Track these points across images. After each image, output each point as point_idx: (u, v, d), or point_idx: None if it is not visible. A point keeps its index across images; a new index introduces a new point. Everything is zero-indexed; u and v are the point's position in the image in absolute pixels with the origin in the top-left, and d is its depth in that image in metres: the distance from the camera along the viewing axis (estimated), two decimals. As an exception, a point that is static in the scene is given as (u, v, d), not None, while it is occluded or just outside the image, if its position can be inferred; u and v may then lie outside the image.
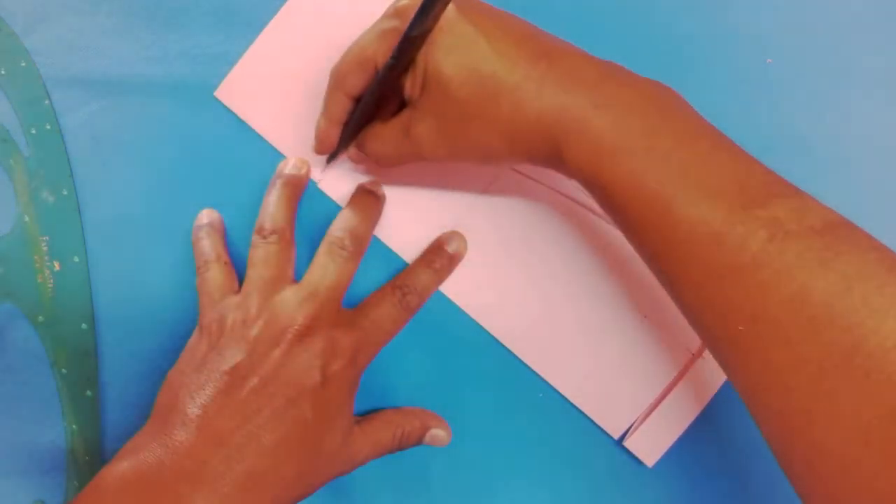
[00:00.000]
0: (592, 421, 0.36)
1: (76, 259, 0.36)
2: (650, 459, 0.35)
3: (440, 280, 0.35)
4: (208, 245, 0.35)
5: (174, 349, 0.33)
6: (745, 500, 0.37)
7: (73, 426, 0.36)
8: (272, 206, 0.34)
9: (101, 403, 0.36)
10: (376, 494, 0.36)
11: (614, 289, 0.36)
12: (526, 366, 0.36)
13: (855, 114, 0.37)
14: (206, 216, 0.36)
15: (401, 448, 0.34)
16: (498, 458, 0.36)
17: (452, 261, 0.35)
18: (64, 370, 0.36)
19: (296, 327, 0.31)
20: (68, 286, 0.36)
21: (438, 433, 0.35)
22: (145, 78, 0.37)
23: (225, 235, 0.36)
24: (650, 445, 0.35)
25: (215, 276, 0.34)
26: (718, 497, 0.36)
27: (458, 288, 0.36)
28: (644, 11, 0.37)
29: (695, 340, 0.35)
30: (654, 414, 0.35)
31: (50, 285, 0.36)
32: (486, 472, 0.36)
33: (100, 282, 0.36)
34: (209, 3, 0.37)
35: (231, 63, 0.36)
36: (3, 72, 0.36)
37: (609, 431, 0.36)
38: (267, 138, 0.36)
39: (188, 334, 0.33)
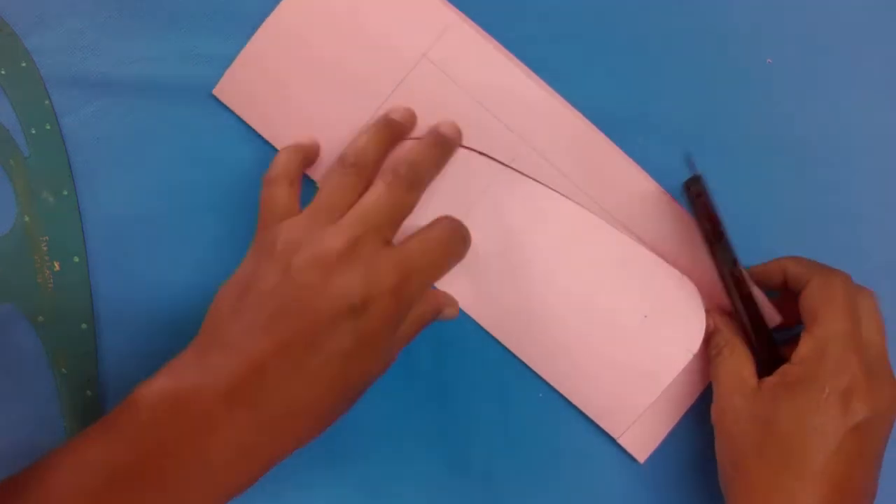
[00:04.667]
0: (590, 421, 0.36)
1: (76, 259, 0.36)
2: (641, 455, 0.36)
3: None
4: (283, 160, 0.33)
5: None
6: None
7: (73, 426, 0.36)
8: (363, 139, 0.33)
9: (101, 403, 0.36)
10: (376, 493, 0.36)
11: (615, 289, 0.36)
12: (526, 366, 0.36)
13: (855, 114, 0.37)
14: (304, 137, 0.35)
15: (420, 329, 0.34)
16: (498, 458, 0.36)
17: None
18: (64, 370, 0.36)
19: (336, 252, 0.29)
20: (68, 286, 0.36)
21: (449, 312, 0.34)
22: (145, 78, 0.37)
23: (308, 164, 0.35)
24: (641, 441, 0.36)
25: (278, 194, 0.32)
26: (708, 492, 0.37)
27: (457, 288, 0.36)
28: (644, 11, 0.37)
29: (694, 341, 0.35)
30: (645, 412, 0.35)
31: (50, 285, 0.36)
32: (487, 471, 0.36)
33: (100, 282, 0.36)
34: (209, 3, 0.37)
35: (230, 62, 0.36)
36: (3, 72, 0.36)
37: (609, 431, 0.36)
38: (265, 136, 0.36)
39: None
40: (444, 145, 0.34)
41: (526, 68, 0.36)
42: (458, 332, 0.36)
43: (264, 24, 0.36)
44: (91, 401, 0.36)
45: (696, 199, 0.33)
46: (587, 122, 0.36)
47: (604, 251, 0.36)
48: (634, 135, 0.36)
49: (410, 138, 0.35)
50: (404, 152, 0.33)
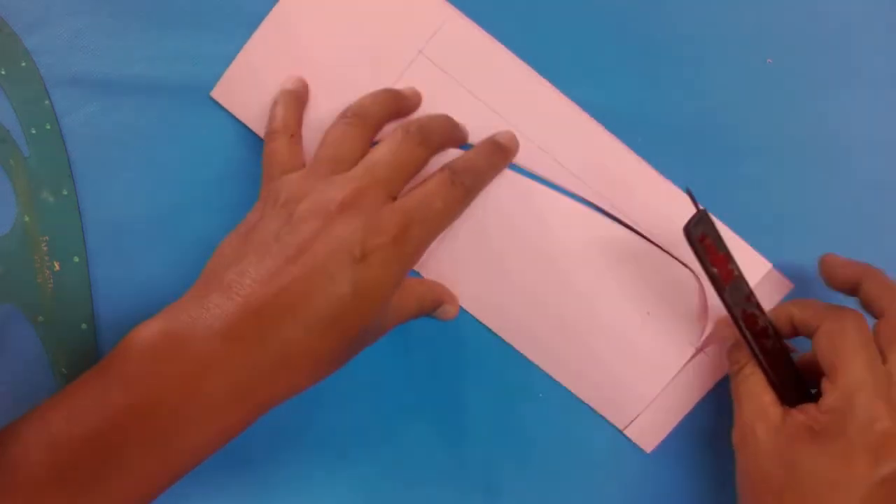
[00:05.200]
0: (591, 420, 0.36)
1: (76, 259, 0.36)
2: (649, 445, 0.36)
3: (494, 169, 0.34)
4: (280, 113, 0.34)
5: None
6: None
7: (73, 426, 0.36)
8: (367, 98, 0.33)
9: (101, 403, 0.36)
10: (377, 492, 0.36)
11: (618, 286, 0.36)
12: (526, 366, 0.36)
13: (855, 114, 0.37)
14: (291, 82, 0.35)
15: (419, 317, 0.34)
16: (498, 458, 0.36)
17: (506, 154, 0.35)
18: (64, 370, 0.36)
19: (339, 200, 0.29)
20: (68, 286, 0.36)
21: (448, 309, 0.34)
22: (145, 78, 0.37)
23: (304, 107, 0.35)
24: (649, 431, 0.36)
25: (279, 148, 0.33)
26: (715, 483, 0.37)
27: (459, 284, 0.36)
28: (644, 11, 0.37)
29: (697, 336, 0.36)
30: (652, 404, 0.36)
31: (50, 285, 0.36)
32: (487, 471, 0.36)
33: (100, 282, 0.36)
34: (209, 3, 0.37)
35: (230, 62, 0.36)
36: (3, 72, 0.36)
37: (615, 423, 0.36)
38: (264, 137, 0.36)
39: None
40: (498, 153, 0.35)
41: (524, 64, 0.36)
42: (458, 331, 0.36)
43: (261, 25, 0.36)
44: (91, 401, 0.36)
45: (699, 243, 0.30)
46: (588, 116, 0.36)
47: (608, 249, 0.36)
48: (634, 135, 0.36)
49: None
50: (425, 116, 0.34)
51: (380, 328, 0.31)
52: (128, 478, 0.26)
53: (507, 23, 0.36)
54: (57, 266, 0.36)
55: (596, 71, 0.37)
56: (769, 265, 0.36)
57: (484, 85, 0.36)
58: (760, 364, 0.32)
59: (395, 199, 0.31)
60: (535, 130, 0.36)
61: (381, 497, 0.36)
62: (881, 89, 0.38)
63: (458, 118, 0.36)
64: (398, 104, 0.35)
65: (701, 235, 0.30)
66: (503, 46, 0.36)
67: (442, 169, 0.32)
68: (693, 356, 0.36)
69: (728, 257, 0.31)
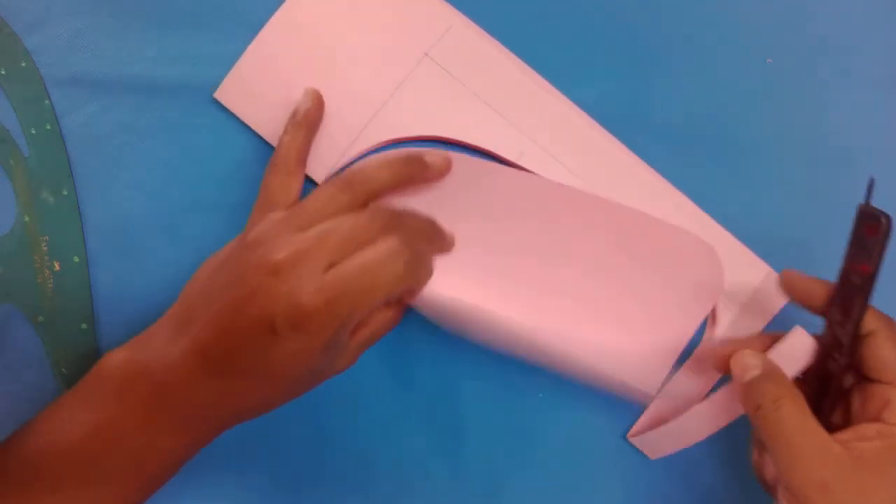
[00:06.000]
0: (591, 421, 0.36)
1: (76, 259, 0.36)
2: (653, 453, 0.36)
3: (438, 241, 0.34)
4: (284, 144, 0.34)
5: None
6: (743, 491, 0.37)
7: (73, 426, 0.36)
8: (375, 165, 0.32)
9: (101, 403, 0.36)
10: (377, 492, 0.36)
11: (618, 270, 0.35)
12: (525, 366, 0.36)
13: (855, 114, 0.37)
14: (306, 101, 0.35)
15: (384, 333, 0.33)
16: (499, 458, 0.36)
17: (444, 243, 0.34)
18: (64, 370, 0.36)
19: (276, 260, 0.29)
20: (68, 286, 0.36)
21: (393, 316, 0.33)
22: (145, 78, 0.37)
23: (315, 132, 0.35)
24: (653, 443, 0.36)
25: (272, 184, 0.33)
26: (716, 483, 0.37)
27: (459, 283, 0.36)
28: (644, 11, 0.37)
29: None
30: (667, 425, 0.35)
31: (50, 285, 0.36)
32: (487, 471, 0.36)
33: (100, 282, 0.36)
34: (209, 4, 0.37)
35: (231, 64, 0.36)
36: (3, 72, 0.36)
37: (644, 388, 0.35)
38: (266, 138, 0.36)
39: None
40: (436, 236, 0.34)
41: (528, 67, 0.36)
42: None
43: (266, 26, 0.36)
44: (91, 401, 0.36)
45: (875, 237, 0.28)
46: (589, 118, 0.36)
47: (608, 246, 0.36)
48: (634, 135, 0.36)
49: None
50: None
51: (331, 368, 0.31)
52: (108, 484, 0.30)
53: (511, 26, 0.36)
54: (57, 266, 0.36)
55: (597, 72, 0.37)
56: (768, 268, 0.36)
57: (489, 88, 0.36)
58: (814, 392, 0.30)
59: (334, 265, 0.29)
60: (538, 132, 0.36)
61: (381, 497, 0.36)
62: (881, 89, 0.38)
63: (462, 120, 0.36)
64: (411, 172, 0.33)
65: (886, 230, 0.29)
66: (508, 50, 0.36)
67: (390, 229, 0.30)
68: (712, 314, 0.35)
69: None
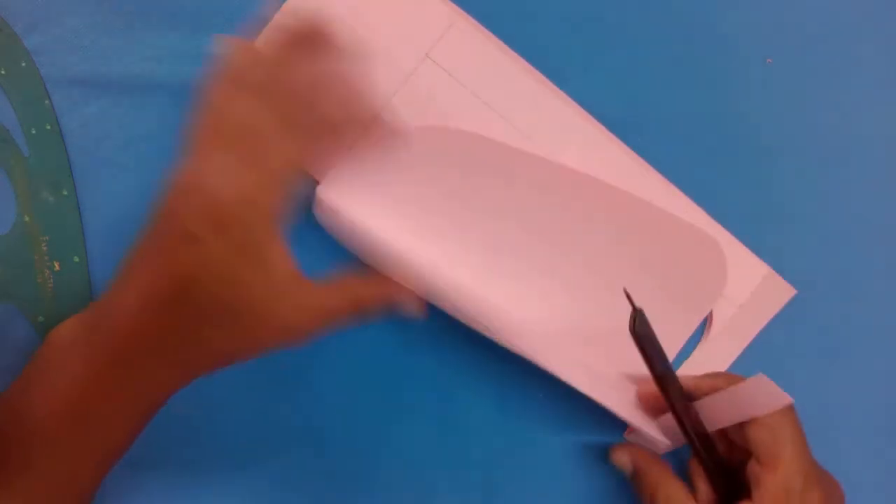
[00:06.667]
0: (591, 421, 0.36)
1: (76, 259, 0.36)
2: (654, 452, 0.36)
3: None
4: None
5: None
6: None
7: (73, 426, 0.36)
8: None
9: (101, 403, 0.36)
10: (377, 492, 0.36)
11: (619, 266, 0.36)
12: (526, 366, 0.36)
13: (855, 114, 0.37)
14: None
15: (359, 317, 0.31)
16: (498, 458, 0.36)
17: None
18: (64, 370, 0.36)
19: (183, 182, 0.30)
20: (68, 286, 0.36)
21: (408, 307, 0.32)
22: (145, 78, 0.37)
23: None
24: (653, 441, 0.36)
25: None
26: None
27: (460, 284, 0.36)
28: (644, 11, 0.37)
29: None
30: (665, 422, 0.35)
31: (50, 285, 0.36)
32: (487, 471, 0.36)
33: (100, 282, 0.36)
34: (209, 3, 0.37)
35: (231, 63, 0.36)
36: (3, 72, 0.36)
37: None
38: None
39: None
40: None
41: (530, 67, 0.36)
42: (457, 332, 0.36)
43: (267, 27, 0.36)
44: (91, 401, 0.36)
45: (643, 339, 0.31)
46: (591, 118, 0.36)
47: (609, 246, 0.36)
48: (634, 135, 0.36)
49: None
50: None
51: (282, 321, 0.29)
52: (79, 452, 0.29)
53: (512, 25, 0.36)
54: (57, 266, 0.36)
55: (597, 72, 0.37)
56: (768, 268, 0.36)
57: (490, 88, 0.36)
58: (703, 461, 0.33)
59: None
60: (539, 133, 0.36)
61: (381, 497, 0.36)
62: (881, 88, 0.38)
63: (463, 121, 0.36)
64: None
65: (644, 332, 0.31)
66: (509, 49, 0.36)
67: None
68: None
69: (664, 355, 0.31)
